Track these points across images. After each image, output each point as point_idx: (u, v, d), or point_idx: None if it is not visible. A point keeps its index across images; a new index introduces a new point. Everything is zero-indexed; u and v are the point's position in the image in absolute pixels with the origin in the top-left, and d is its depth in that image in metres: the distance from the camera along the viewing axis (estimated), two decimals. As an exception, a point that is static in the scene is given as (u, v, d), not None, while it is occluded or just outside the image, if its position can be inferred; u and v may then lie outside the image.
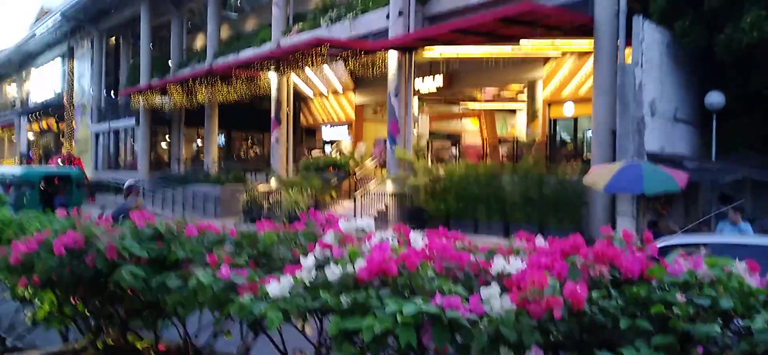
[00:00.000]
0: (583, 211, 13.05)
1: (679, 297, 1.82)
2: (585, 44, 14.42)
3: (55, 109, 37.82)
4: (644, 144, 11.71)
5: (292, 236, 3.21)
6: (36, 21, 41.89)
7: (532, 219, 13.52)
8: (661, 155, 11.80)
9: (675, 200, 12.14)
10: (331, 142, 24.88)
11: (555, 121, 17.43)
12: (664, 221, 11.52)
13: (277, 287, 2.20)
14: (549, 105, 17.17)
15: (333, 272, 2.19)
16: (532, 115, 17.71)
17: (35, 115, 40.49)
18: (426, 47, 16.62)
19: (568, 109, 16.84)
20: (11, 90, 49.53)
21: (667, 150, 12.30)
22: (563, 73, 16.53)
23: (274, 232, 3.22)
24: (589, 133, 14.51)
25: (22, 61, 43.92)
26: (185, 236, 3.32)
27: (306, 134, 26.91)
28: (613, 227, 10.67)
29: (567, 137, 17.96)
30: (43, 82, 42.05)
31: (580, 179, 11.84)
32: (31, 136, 42.62)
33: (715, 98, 11.84)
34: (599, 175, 10.44)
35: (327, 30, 19.26)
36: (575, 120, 17.11)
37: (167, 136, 30.91)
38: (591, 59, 13.85)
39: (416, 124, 18.64)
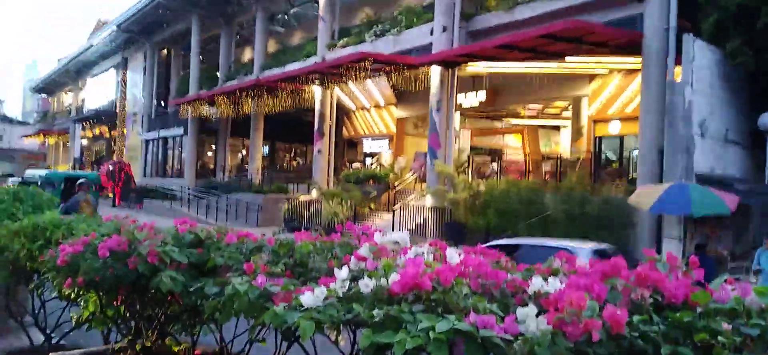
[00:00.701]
0: (628, 232, 12.67)
1: (725, 325, 1.73)
2: (632, 62, 14.09)
3: (108, 117, 39.30)
4: (693, 165, 11.32)
5: (328, 246, 3.22)
6: (93, 32, 43.82)
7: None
8: (710, 177, 11.39)
9: (725, 224, 11.67)
10: (372, 155, 25.00)
11: (600, 139, 17.06)
12: (712, 245, 11.08)
13: (310, 297, 2.21)
14: (594, 122, 16.82)
15: (366, 285, 2.19)
16: (576, 133, 17.38)
17: (89, 122, 42.16)
18: (469, 63, 16.55)
19: (614, 127, 16.46)
20: (67, 98, 51.74)
21: (717, 172, 11.86)
22: (610, 91, 16.18)
23: (310, 242, 3.23)
24: (636, 153, 14.14)
25: (78, 71, 45.89)
26: (224, 243, 3.37)
27: (347, 147, 27.14)
28: (659, 250, 10.33)
29: (612, 156, 17.54)
30: (98, 91, 43.79)
31: (626, 199, 11.53)
32: (84, 142, 44.36)
33: (767, 119, 11.38)
34: (645, 196, 10.15)
35: (371, 45, 19.43)
36: (621, 138, 16.70)
37: (213, 146, 31.69)
38: (638, 77, 13.53)
39: (457, 139, 18.55)
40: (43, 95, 58.34)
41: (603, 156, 17.48)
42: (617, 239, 12.63)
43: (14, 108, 66.44)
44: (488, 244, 7.92)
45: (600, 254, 7.56)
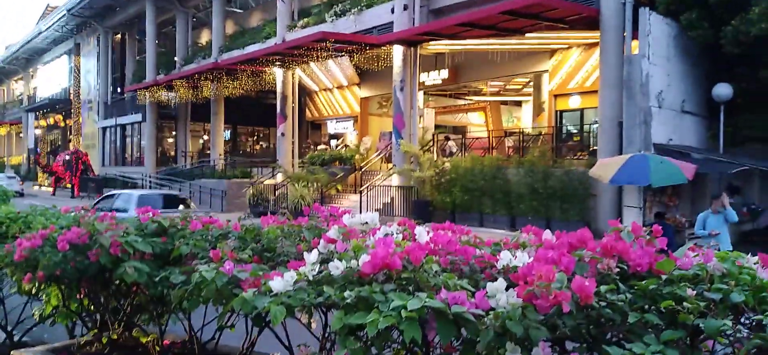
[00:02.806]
0: (590, 203, 12.99)
1: (689, 291, 1.78)
2: (591, 37, 14.32)
3: (62, 105, 37.98)
4: (651, 136, 11.63)
5: (296, 230, 3.19)
6: (42, 17, 42.05)
7: (539, 212, 13.47)
8: (668, 147, 11.72)
9: (682, 192, 12.06)
10: (337, 137, 24.87)
11: (561, 113, 17.34)
12: (671, 213, 11.45)
13: (280, 282, 2.18)
14: (555, 97, 17.08)
15: (337, 267, 2.17)
16: (538, 108, 17.62)
17: (42, 111, 40.67)
18: (431, 41, 16.55)
19: (575, 101, 16.75)
20: (18, 87, 49.76)
21: (675, 142, 12.22)
22: (569, 66, 16.43)
23: (277, 226, 3.20)
24: (596, 126, 14.45)
25: (28, 58, 44.09)
26: (189, 231, 3.31)
27: (311, 128, 26.90)
28: (621, 220, 10.61)
29: (574, 130, 17.87)
30: (50, 79, 42.22)
31: (587, 171, 11.78)
32: (38, 132, 42.81)
33: (722, 90, 11.75)
34: (606, 168, 10.37)
35: (332, 25, 19.22)
36: (581, 112, 17.02)
37: (173, 132, 30.99)
38: (597, 51, 13.76)
39: (421, 118, 18.59)
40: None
41: (564, 130, 17.80)
42: (580, 211, 12.95)
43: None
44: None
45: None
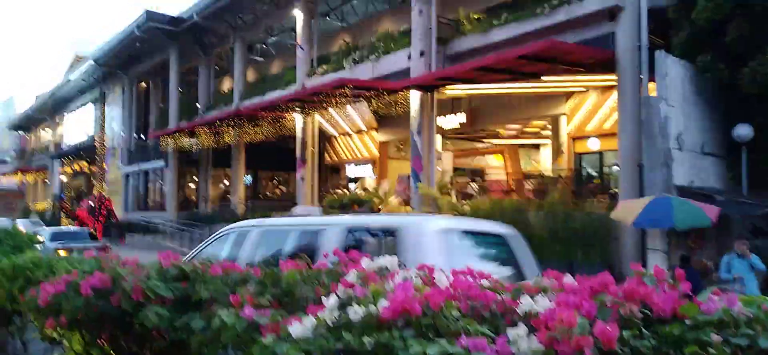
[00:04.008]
0: (613, 246, 12.78)
1: (715, 337, 1.75)
2: (608, 79, 14.35)
3: (87, 152, 38.86)
4: (673, 178, 11.50)
5: (315, 275, 3.20)
6: (70, 67, 43.49)
7: (561, 255, 13.27)
8: (690, 189, 11.56)
9: (707, 235, 11.83)
10: (355, 180, 24.99)
11: (580, 155, 17.26)
12: (697, 257, 11.21)
13: (299, 327, 2.18)
14: (573, 140, 17.04)
15: (356, 312, 2.17)
16: (556, 151, 17.57)
17: (68, 158, 41.62)
18: (448, 85, 16.72)
19: (593, 144, 16.68)
20: (45, 134, 51.10)
21: (697, 184, 12.05)
22: (587, 108, 16.43)
23: (297, 271, 3.21)
24: (616, 168, 14.33)
25: (56, 107, 45.42)
26: (209, 276, 3.33)
27: (330, 172, 27.09)
28: (644, 264, 10.42)
29: (593, 172, 17.75)
30: (76, 127, 43.34)
31: (608, 214, 11.65)
32: (63, 178, 43.74)
33: (742, 130, 11.62)
34: (628, 210, 10.26)
35: (350, 71, 19.54)
36: (601, 154, 16.93)
37: (195, 177, 31.44)
38: (615, 94, 13.76)
39: (440, 161, 18.63)
40: (21, 132, 57.52)
41: (584, 172, 17.68)
42: (602, 254, 12.74)
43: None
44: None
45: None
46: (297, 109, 20.51)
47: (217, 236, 6.15)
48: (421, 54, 16.82)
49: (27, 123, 53.50)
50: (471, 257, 4.38)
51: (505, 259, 5.07)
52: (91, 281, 3.27)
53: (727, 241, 11.46)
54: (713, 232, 11.55)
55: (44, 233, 17.45)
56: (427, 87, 16.65)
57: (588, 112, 16.42)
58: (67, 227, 25.61)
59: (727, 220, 11.16)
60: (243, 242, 5.62)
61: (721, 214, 9.72)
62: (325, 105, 19.47)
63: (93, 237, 20.19)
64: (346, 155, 25.49)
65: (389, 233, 4.83)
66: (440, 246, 4.52)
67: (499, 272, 4.48)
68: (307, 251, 4.45)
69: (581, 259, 13.01)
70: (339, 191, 24.07)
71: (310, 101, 19.42)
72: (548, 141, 19.19)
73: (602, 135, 16.11)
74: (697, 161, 12.34)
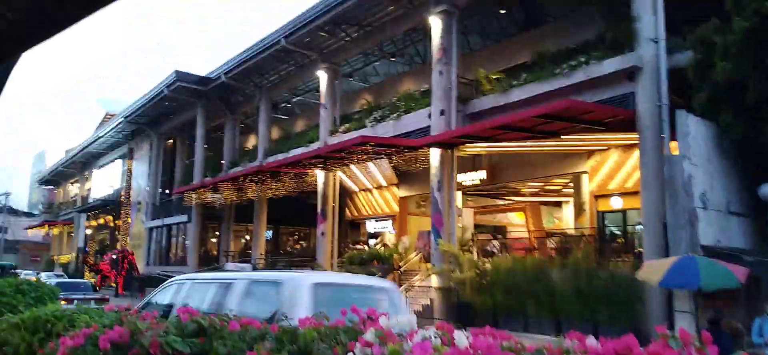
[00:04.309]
0: (639, 307, 12.44)
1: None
2: (629, 138, 14.31)
3: (113, 206, 39.56)
4: (698, 237, 11.26)
5: (332, 332, 3.17)
6: (100, 124, 44.83)
7: (585, 316, 12.96)
8: (716, 249, 11.30)
9: (737, 297, 11.47)
10: (376, 236, 24.94)
11: (603, 213, 17.05)
12: (727, 318, 10.83)
13: (315, 386, 2.16)
14: (596, 198, 16.88)
15: (372, 371, 2.15)
16: (579, 209, 17.40)
17: (94, 211, 42.38)
18: (467, 143, 16.82)
19: (616, 202, 16.49)
20: (73, 189, 52.28)
21: (723, 243, 11.78)
22: (609, 166, 16.33)
23: (314, 328, 3.19)
24: (640, 227, 14.10)
25: (85, 162, 46.62)
26: (227, 331, 3.33)
27: (351, 228, 27.11)
28: (671, 326, 10.11)
29: (617, 231, 17.48)
30: (103, 181, 44.31)
31: (633, 274, 11.40)
32: (88, 232, 44.45)
33: (768, 190, 11.42)
34: (653, 270, 10.02)
35: (371, 129, 19.82)
36: (624, 213, 16.70)
37: (217, 232, 31.70)
38: (637, 152, 13.68)
39: (460, 218, 18.55)
40: (50, 187, 58.97)
41: (607, 231, 17.42)
42: (628, 315, 12.40)
43: (21, 199, 67.15)
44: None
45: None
46: (319, 165, 20.75)
47: (164, 286, 6.93)
48: (442, 113, 17.01)
49: (56, 178, 54.91)
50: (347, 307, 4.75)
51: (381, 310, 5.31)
52: (110, 335, 3.29)
53: (758, 303, 11.09)
54: (743, 293, 11.20)
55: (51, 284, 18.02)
56: (447, 144, 16.76)
57: (610, 170, 16.31)
58: (73, 279, 26.27)
59: (757, 281, 10.84)
60: (179, 291, 6.52)
61: (751, 274, 9.43)
62: (346, 162, 19.68)
63: (94, 289, 21.83)
64: (366, 211, 25.55)
65: (275, 284, 5.80)
66: (313, 297, 5.32)
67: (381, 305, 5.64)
68: (221, 299, 5.70)
69: (605, 320, 12.68)
70: (359, 247, 24.02)
71: (332, 158, 19.66)
72: (570, 199, 19.03)
73: (625, 193, 15.94)
74: (723, 220, 12.10)
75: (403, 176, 22.07)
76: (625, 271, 12.92)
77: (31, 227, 54.94)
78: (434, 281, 16.50)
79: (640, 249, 13.95)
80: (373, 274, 19.34)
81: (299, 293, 5.40)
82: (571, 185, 18.38)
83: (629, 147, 15.17)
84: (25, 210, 66.03)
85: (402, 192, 23.19)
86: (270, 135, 27.19)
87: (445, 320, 14.58)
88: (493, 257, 17.60)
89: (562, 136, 14.99)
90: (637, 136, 13.19)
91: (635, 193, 14.26)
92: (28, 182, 63.97)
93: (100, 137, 40.40)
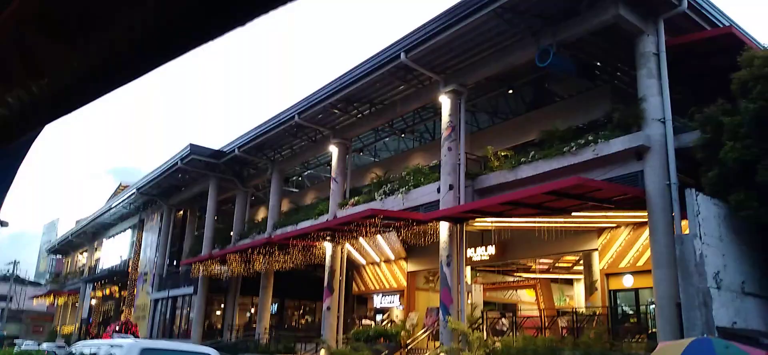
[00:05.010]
0: (654, 391, 12.05)
1: None
2: (639, 216, 14.31)
3: (120, 276, 39.45)
4: (713, 318, 11.05)
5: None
6: (113, 195, 45.33)
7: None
8: (732, 330, 11.06)
9: (756, 381, 11.11)
10: (383, 311, 24.58)
11: (615, 292, 16.81)
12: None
13: None
14: (607, 276, 16.69)
15: None
16: (590, 287, 17.18)
17: (100, 282, 42.23)
18: (476, 218, 16.85)
19: (628, 281, 16.30)
20: (82, 258, 52.30)
21: (739, 324, 11.54)
22: (619, 244, 16.25)
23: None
24: (653, 306, 13.86)
25: (95, 232, 46.84)
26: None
27: (357, 302, 26.77)
28: (689, 411, 9.76)
29: (629, 310, 17.16)
30: (112, 252, 44.36)
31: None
32: (93, 302, 44.13)
33: (785, 270, 11.28)
34: (667, 352, 9.79)
35: (381, 203, 19.95)
36: (636, 292, 16.46)
37: (222, 305, 31.37)
38: (647, 230, 13.65)
39: (470, 294, 18.34)
40: (58, 256, 59.02)
41: (619, 310, 17.11)
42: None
43: (30, 268, 67.12)
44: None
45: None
46: (328, 238, 20.78)
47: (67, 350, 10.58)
48: (450, 187, 17.16)
49: (65, 247, 55.02)
50: None
51: None
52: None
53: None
54: (762, 378, 10.87)
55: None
56: (456, 219, 16.80)
57: (621, 247, 16.21)
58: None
59: (775, 365, 10.54)
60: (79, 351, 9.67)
61: (769, 358, 9.18)
62: (355, 234, 19.71)
63: None
64: (373, 285, 25.30)
65: (120, 347, 8.39)
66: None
67: None
68: None
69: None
70: (365, 322, 23.64)
71: (341, 230, 19.71)
72: (581, 276, 18.82)
73: (637, 272, 15.78)
74: (738, 301, 11.90)
75: (411, 250, 21.99)
76: (639, 352, 12.61)
77: (37, 297, 54.62)
78: (443, 359, 16.13)
79: (654, 330, 13.66)
80: (379, 352, 18.97)
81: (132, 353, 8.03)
82: (582, 262, 18.22)
83: (639, 225, 15.14)
84: (32, 279, 65.84)
85: (410, 266, 23.03)
86: (280, 207, 27.38)
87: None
88: (503, 335, 17.25)
89: (571, 214, 15.02)
90: (647, 214, 13.20)
91: (647, 271, 14.11)
92: (37, 252, 64.11)
93: (111, 208, 40.78)
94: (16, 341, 39.05)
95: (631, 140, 13.51)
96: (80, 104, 1.41)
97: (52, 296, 52.14)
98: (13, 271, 59.46)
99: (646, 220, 13.35)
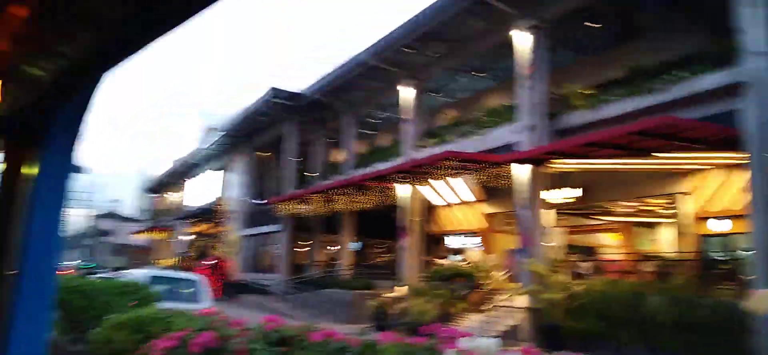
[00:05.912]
0: (747, 339, 11.46)
1: None
2: (733, 157, 13.30)
3: (210, 214, 41.80)
4: (816, 267, 10.25)
5: (412, 350, 3.20)
6: (202, 138, 47.63)
7: (685, 346, 12.12)
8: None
9: None
10: (460, 252, 24.68)
11: (705, 237, 15.93)
12: None
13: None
14: (697, 220, 15.80)
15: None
16: (678, 231, 16.36)
17: (192, 219, 44.96)
18: (556, 160, 16.31)
19: (720, 225, 15.38)
20: (174, 197, 55.80)
21: None
22: (711, 187, 15.27)
23: (394, 344, 3.23)
24: (746, 253, 13.02)
25: (184, 173, 49.67)
26: (308, 342, 3.44)
27: (434, 243, 26.99)
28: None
29: (721, 256, 16.25)
30: (201, 191, 46.97)
31: (739, 303, 10.56)
32: (186, 238, 47.18)
33: None
34: (763, 300, 9.25)
35: (456, 144, 19.73)
36: (729, 237, 15.51)
37: (306, 243, 32.66)
38: (741, 173, 12.70)
39: (550, 237, 17.99)
40: (154, 195, 63.31)
41: (710, 256, 16.23)
42: (734, 348, 11.45)
43: (129, 207, 72.50)
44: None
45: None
46: (403, 179, 20.89)
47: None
48: (529, 128, 16.64)
49: (159, 187, 58.90)
50: (173, 289, 10.57)
51: (192, 291, 11.77)
52: (200, 339, 3.50)
53: None
54: None
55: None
56: (535, 161, 16.35)
57: (713, 190, 15.23)
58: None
59: None
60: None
61: None
62: (430, 176, 19.68)
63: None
64: (451, 226, 25.36)
65: (138, 273, 11.87)
66: (151, 282, 10.35)
67: (188, 294, 11.40)
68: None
69: (708, 352, 11.80)
70: (442, 261, 23.86)
71: (416, 172, 19.73)
72: (667, 220, 17.94)
73: (731, 216, 14.82)
74: None
75: (489, 192, 21.73)
76: (731, 300, 11.96)
77: (136, 232, 59.11)
78: (521, 301, 16.07)
79: (748, 277, 12.88)
80: (456, 291, 19.14)
81: (143, 279, 10.07)
82: (669, 205, 17.33)
83: (732, 167, 14.11)
84: (132, 216, 71.21)
85: (488, 208, 22.83)
86: (356, 149, 27.74)
87: (532, 342, 14.15)
88: (584, 278, 16.88)
89: (658, 155, 14.19)
90: (743, 155, 12.24)
91: (741, 216, 13.22)
92: (135, 190, 69.03)
93: (201, 150, 42.97)
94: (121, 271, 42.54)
95: (727, 76, 12.43)
96: (134, 51, 1.43)
97: (149, 232, 56.22)
98: (116, 208, 64.53)
99: (739, 162, 12.41)
